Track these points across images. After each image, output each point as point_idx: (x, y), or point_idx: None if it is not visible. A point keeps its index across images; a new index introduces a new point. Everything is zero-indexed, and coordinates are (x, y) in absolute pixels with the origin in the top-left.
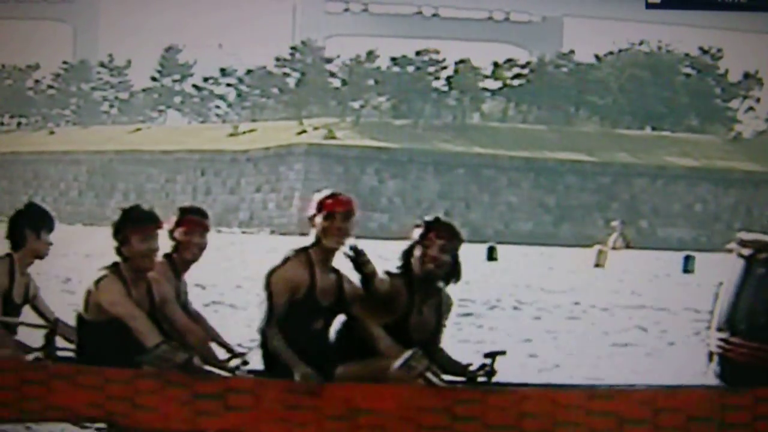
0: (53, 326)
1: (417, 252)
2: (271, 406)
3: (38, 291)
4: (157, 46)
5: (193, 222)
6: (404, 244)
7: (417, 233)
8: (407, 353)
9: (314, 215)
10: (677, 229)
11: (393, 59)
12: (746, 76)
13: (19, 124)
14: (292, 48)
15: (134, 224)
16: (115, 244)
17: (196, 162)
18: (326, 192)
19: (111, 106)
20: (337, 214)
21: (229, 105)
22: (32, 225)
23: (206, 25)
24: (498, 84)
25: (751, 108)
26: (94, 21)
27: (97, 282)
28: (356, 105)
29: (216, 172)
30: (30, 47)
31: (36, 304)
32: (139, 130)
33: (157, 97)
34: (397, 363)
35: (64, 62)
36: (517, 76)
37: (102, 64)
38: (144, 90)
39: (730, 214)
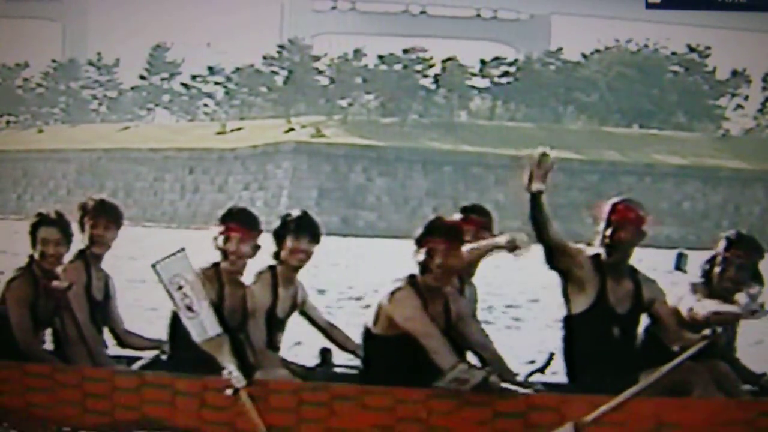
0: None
1: (717, 268)
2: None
3: (307, 297)
4: (145, 44)
5: (474, 222)
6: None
7: (720, 247)
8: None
9: (607, 226)
10: (665, 227)
11: (380, 57)
12: (734, 73)
13: (8, 122)
14: (280, 46)
15: (428, 235)
16: (416, 253)
17: (185, 160)
18: (618, 198)
19: (100, 105)
20: (628, 224)
21: (217, 103)
22: (294, 232)
23: (194, 24)
24: (486, 82)
25: (739, 106)
26: (82, 19)
27: (392, 294)
28: (344, 103)
29: (204, 170)
30: (19, 46)
31: (306, 310)
32: (127, 128)
33: (146, 96)
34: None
35: (53, 61)
36: (505, 74)
37: (91, 63)
38: (132, 88)
39: (719, 212)
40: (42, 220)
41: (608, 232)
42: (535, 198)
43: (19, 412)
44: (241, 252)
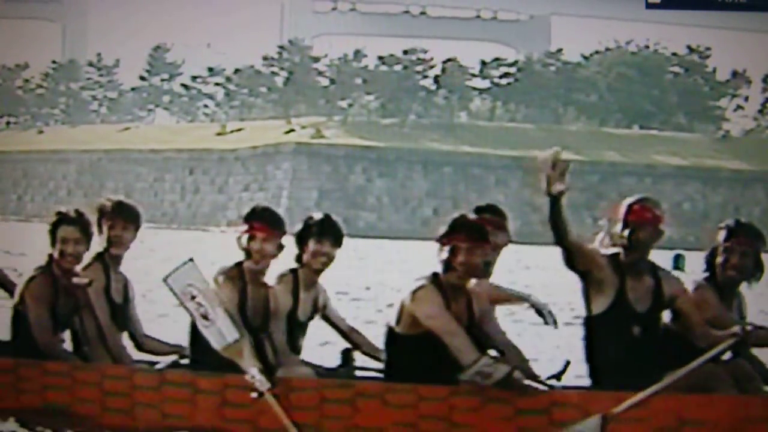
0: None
1: (719, 258)
2: None
3: (328, 301)
4: (145, 45)
5: (489, 222)
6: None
7: (720, 237)
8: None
9: (624, 227)
10: (665, 227)
11: (381, 58)
12: (735, 74)
13: (8, 123)
14: (280, 47)
15: (450, 233)
16: (440, 251)
17: (185, 161)
18: (633, 198)
19: (100, 105)
20: (646, 224)
21: (218, 104)
22: (316, 235)
23: (194, 25)
24: (486, 83)
25: (739, 106)
26: (82, 20)
27: (414, 292)
28: (344, 104)
29: (204, 170)
30: (19, 46)
31: (327, 314)
32: (127, 129)
33: (146, 96)
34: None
35: (53, 61)
36: (505, 74)
37: (91, 64)
38: (133, 89)
39: (719, 213)
40: (62, 219)
41: (625, 233)
42: (556, 201)
43: (38, 410)
44: (265, 251)
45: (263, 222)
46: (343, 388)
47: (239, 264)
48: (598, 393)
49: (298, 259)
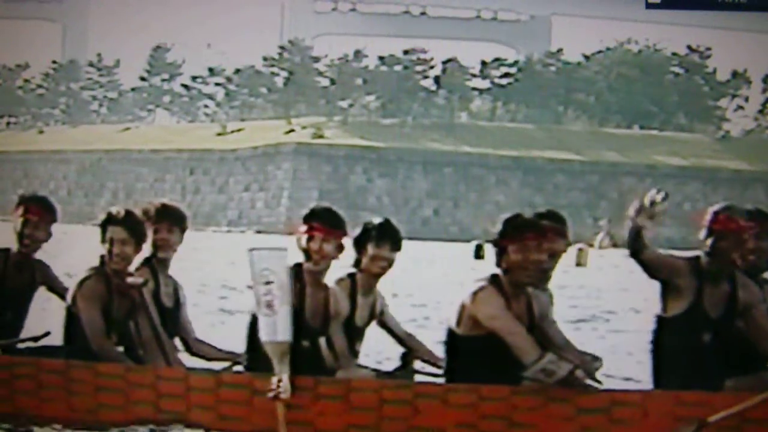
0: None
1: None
2: (659, 420)
3: (386, 307)
4: (145, 45)
5: (549, 229)
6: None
7: None
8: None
9: (708, 235)
10: (666, 228)
11: (381, 58)
12: (735, 74)
13: (8, 123)
14: (281, 47)
15: (512, 233)
16: (495, 253)
17: (185, 161)
18: (719, 206)
19: (100, 106)
20: (730, 234)
21: (218, 104)
22: (375, 240)
23: (195, 25)
24: (486, 83)
25: (739, 107)
26: (83, 20)
27: (474, 294)
28: (344, 104)
29: (205, 171)
30: (19, 46)
31: (384, 320)
32: (128, 129)
33: (146, 97)
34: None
35: (54, 61)
36: (506, 75)
37: (91, 64)
38: (133, 89)
39: None
40: (109, 219)
41: (709, 241)
42: (637, 232)
43: (90, 413)
44: (324, 252)
45: (322, 222)
46: (402, 389)
47: (298, 265)
48: (660, 393)
49: (357, 263)
